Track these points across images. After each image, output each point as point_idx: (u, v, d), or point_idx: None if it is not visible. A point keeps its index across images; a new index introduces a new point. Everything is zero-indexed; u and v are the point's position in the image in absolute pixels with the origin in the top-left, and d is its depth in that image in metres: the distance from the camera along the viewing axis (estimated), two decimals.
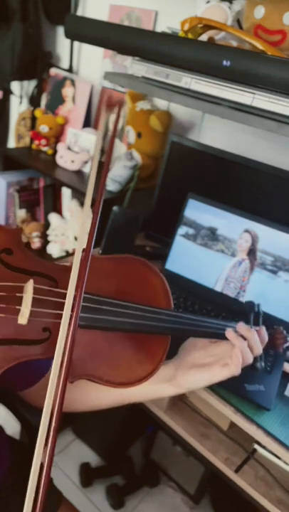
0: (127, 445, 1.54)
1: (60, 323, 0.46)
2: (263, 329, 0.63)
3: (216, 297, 1.01)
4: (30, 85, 1.75)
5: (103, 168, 0.58)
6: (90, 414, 0.69)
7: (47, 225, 1.65)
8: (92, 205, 0.54)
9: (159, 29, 1.30)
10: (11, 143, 1.98)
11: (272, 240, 0.96)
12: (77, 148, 1.49)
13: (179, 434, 0.91)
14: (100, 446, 1.52)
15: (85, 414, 0.69)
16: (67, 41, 1.56)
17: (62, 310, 0.47)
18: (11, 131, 1.96)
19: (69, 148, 1.50)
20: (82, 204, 1.47)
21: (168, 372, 0.61)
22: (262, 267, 0.97)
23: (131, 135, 1.32)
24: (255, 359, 0.62)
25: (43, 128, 1.55)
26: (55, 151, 1.56)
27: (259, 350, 0.59)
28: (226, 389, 0.81)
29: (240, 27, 0.90)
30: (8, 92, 1.84)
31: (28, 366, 0.50)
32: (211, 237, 1.03)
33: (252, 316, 0.68)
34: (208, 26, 0.83)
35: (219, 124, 1.23)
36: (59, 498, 0.78)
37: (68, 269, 0.51)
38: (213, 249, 1.02)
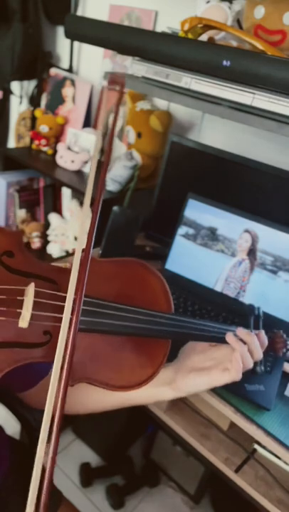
0: (127, 445, 1.54)
1: (60, 326, 0.46)
2: (262, 333, 0.63)
3: (216, 297, 1.01)
4: (30, 85, 1.75)
5: (102, 166, 0.58)
6: (90, 415, 0.69)
7: (47, 225, 1.65)
8: (92, 204, 0.54)
9: (159, 29, 1.30)
10: (11, 143, 1.98)
11: (272, 239, 0.96)
12: (77, 148, 1.49)
13: (179, 434, 0.91)
14: (100, 446, 1.52)
15: (85, 415, 0.69)
16: (67, 41, 1.56)
17: (63, 313, 0.47)
18: (11, 131, 1.96)
19: (69, 148, 1.50)
20: (82, 204, 1.48)
21: (167, 375, 0.60)
22: (262, 267, 0.97)
23: (131, 135, 1.32)
24: (255, 363, 0.62)
25: (43, 128, 1.55)
26: (55, 151, 1.56)
27: (259, 354, 0.59)
28: (226, 389, 0.81)
29: (240, 27, 0.90)
30: (8, 92, 1.84)
31: (27, 368, 0.50)
32: (211, 237, 1.03)
33: (252, 319, 0.68)
34: (208, 26, 0.83)
35: (219, 124, 1.23)
36: (59, 498, 0.78)
37: (69, 271, 0.51)
38: (213, 249, 1.02)
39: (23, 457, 0.82)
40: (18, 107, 1.86)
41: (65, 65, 1.62)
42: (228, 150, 1.08)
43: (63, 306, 0.47)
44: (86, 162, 1.45)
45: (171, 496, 1.46)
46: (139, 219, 1.11)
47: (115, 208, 1.10)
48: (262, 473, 0.85)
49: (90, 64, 1.56)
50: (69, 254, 1.51)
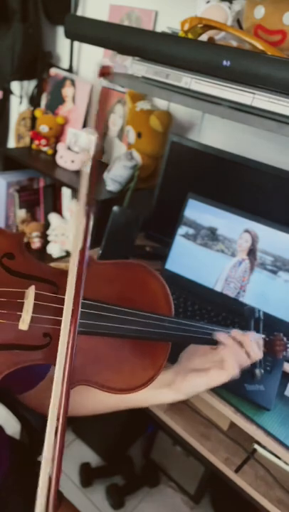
0: (127, 445, 1.54)
1: (60, 329, 0.46)
2: (253, 333, 0.63)
3: (216, 297, 1.01)
4: (30, 85, 1.75)
5: (97, 168, 0.57)
6: (90, 416, 0.69)
7: (47, 225, 1.65)
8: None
9: (159, 29, 1.30)
10: (11, 143, 1.98)
11: (272, 239, 0.96)
12: (77, 148, 1.49)
13: (179, 434, 0.91)
14: (100, 446, 1.52)
15: (84, 416, 0.69)
16: (67, 41, 1.56)
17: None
18: (11, 131, 1.96)
19: (69, 148, 1.50)
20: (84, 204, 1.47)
21: (167, 377, 0.61)
22: (262, 267, 0.97)
23: (131, 135, 1.32)
24: (254, 365, 0.62)
25: (43, 128, 1.55)
26: (55, 151, 1.56)
27: (255, 353, 0.59)
28: (226, 389, 0.81)
29: (240, 27, 0.90)
30: (8, 92, 1.84)
31: (27, 370, 0.50)
32: (211, 237, 1.03)
33: (252, 322, 0.68)
34: (208, 26, 0.83)
35: (219, 124, 1.23)
36: (59, 498, 0.78)
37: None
38: (213, 249, 1.02)
39: (23, 457, 0.82)
40: (18, 107, 1.86)
41: (65, 65, 1.62)
42: (228, 150, 1.08)
43: (63, 309, 0.47)
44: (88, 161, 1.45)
45: (171, 496, 1.46)
46: (139, 219, 1.11)
47: (115, 208, 1.10)
48: (262, 473, 0.85)
49: (90, 64, 1.56)
50: (69, 254, 1.51)
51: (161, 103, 1.34)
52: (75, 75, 1.60)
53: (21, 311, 0.48)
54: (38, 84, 1.66)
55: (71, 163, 1.46)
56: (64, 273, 0.54)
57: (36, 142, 1.58)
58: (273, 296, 0.96)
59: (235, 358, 0.57)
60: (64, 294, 0.49)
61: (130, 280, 0.59)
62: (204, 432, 0.91)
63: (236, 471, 0.84)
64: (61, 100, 1.60)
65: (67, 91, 1.58)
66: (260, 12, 0.80)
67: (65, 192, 1.60)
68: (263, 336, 0.68)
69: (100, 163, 1.52)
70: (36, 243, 1.66)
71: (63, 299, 0.48)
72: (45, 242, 1.66)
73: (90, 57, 1.55)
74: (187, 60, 0.75)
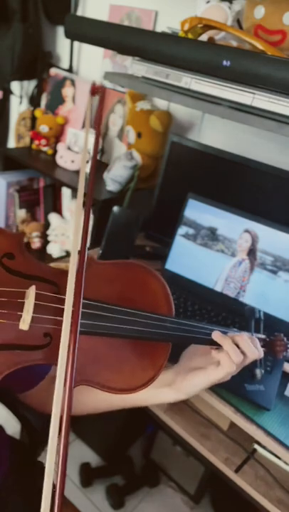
0: (127, 445, 1.54)
1: (61, 329, 0.45)
2: (248, 333, 0.63)
3: (216, 297, 1.01)
4: (30, 85, 1.75)
5: (95, 168, 0.57)
6: (90, 415, 0.69)
7: (47, 225, 1.65)
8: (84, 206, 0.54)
9: (159, 29, 1.30)
10: (11, 143, 1.98)
11: (272, 239, 0.96)
12: (77, 148, 1.49)
13: (179, 434, 0.91)
14: (100, 446, 1.52)
15: (84, 416, 0.69)
16: (67, 41, 1.56)
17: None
18: (11, 131, 1.96)
19: (69, 148, 1.50)
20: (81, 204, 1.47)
21: (168, 377, 0.61)
22: (262, 267, 0.97)
23: (131, 135, 1.32)
24: (255, 365, 0.62)
25: (43, 128, 1.55)
26: (55, 151, 1.56)
27: (252, 352, 0.59)
28: (226, 389, 0.81)
29: (240, 27, 0.90)
30: (8, 92, 1.84)
31: (27, 369, 0.50)
32: (211, 237, 1.03)
33: (253, 322, 0.68)
34: (208, 26, 0.83)
35: (219, 124, 1.23)
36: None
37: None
38: (213, 249, 1.02)
39: (23, 457, 0.82)
40: (18, 107, 1.86)
41: (65, 65, 1.62)
42: (228, 150, 1.08)
43: (64, 309, 0.47)
44: (86, 162, 1.45)
45: (171, 496, 1.46)
46: (139, 219, 1.11)
47: (115, 208, 1.10)
48: (262, 473, 0.85)
49: (90, 64, 1.56)
50: (69, 254, 1.51)
51: (161, 103, 1.34)
52: (75, 75, 1.60)
53: (22, 311, 0.48)
54: (38, 84, 1.66)
55: (71, 163, 1.46)
56: (64, 273, 0.54)
57: (36, 142, 1.58)
58: (273, 296, 0.96)
59: (231, 355, 0.57)
60: (64, 294, 0.49)
61: (130, 280, 0.59)
62: (204, 432, 0.91)
63: (236, 471, 0.84)
64: (61, 100, 1.60)
65: (67, 91, 1.58)
66: (260, 12, 0.80)
67: (65, 192, 1.60)
68: (264, 336, 0.68)
69: (100, 163, 1.52)
70: (36, 243, 1.66)
71: (64, 299, 0.48)
72: (45, 242, 1.66)
73: (90, 57, 1.55)
74: (187, 60, 0.75)
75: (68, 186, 1.39)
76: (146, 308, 0.57)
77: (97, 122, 0.62)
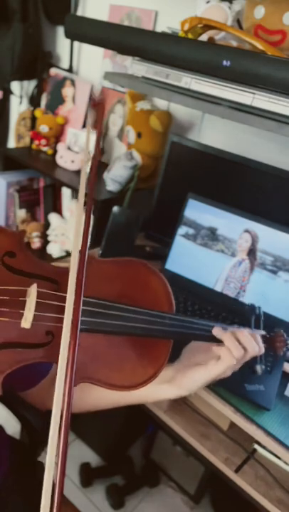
0: (127, 445, 1.54)
1: (62, 326, 0.46)
2: (249, 330, 0.63)
3: (216, 297, 1.01)
4: (30, 85, 1.75)
5: (96, 168, 0.58)
6: (90, 414, 0.69)
7: (47, 225, 1.65)
8: (85, 206, 0.54)
9: (159, 29, 1.30)
10: (11, 143, 1.98)
11: (272, 239, 0.96)
12: (77, 148, 1.49)
13: (179, 434, 0.91)
14: (100, 446, 1.52)
15: (84, 414, 0.69)
16: (67, 41, 1.56)
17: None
18: (11, 131, 1.96)
19: (69, 148, 1.50)
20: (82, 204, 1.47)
21: (168, 374, 0.61)
22: (262, 267, 0.97)
23: (131, 135, 1.32)
24: (255, 361, 0.62)
25: (43, 128, 1.55)
26: (55, 151, 1.56)
27: (253, 347, 0.59)
28: (225, 389, 0.81)
29: (240, 27, 0.90)
30: (8, 92, 1.84)
31: (29, 368, 0.50)
32: (211, 237, 1.03)
33: (253, 318, 0.68)
34: (208, 26, 0.83)
35: (219, 124, 1.23)
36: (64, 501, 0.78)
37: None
38: (213, 249, 1.02)
39: (23, 457, 0.82)
40: (18, 107, 1.86)
41: (65, 65, 1.62)
42: (228, 150, 1.08)
43: (65, 307, 0.47)
44: (86, 162, 1.45)
45: (171, 496, 1.46)
46: (139, 219, 1.11)
47: (115, 208, 1.10)
48: (262, 473, 0.85)
49: (90, 64, 1.56)
50: (69, 254, 1.51)
51: (161, 103, 1.34)
52: (75, 75, 1.60)
53: (23, 309, 0.48)
54: (38, 84, 1.66)
55: (71, 163, 1.46)
56: (65, 271, 0.54)
57: (36, 142, 1.58)
58: (273, 296, 0.96)
59: (231, 349, 0.57)
60: (65, 292, 0.49)
61: (131, 278, 0.59)
62: (204, 432, 0.91)
63: (236, 471, 0.84)
64: (61, 100, 1.60)
65: (67, 91, 1.58)
66: (260, 12, 0.80)
67: (65, 192, 1.60)
68: (264, 332, 0.68)
69: (100, 163, 1.52)
70: (36, 243, 1.66)
71: (65, 297, 0.48)
72: (45, 242, 1.66)
73: (90, 57, 1.55)
74: (187, 60, 0.75)
75: (68, 186, 1.39)
76: (146, 305, 0.57)
77: (98, 135, 0.62)
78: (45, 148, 1.59)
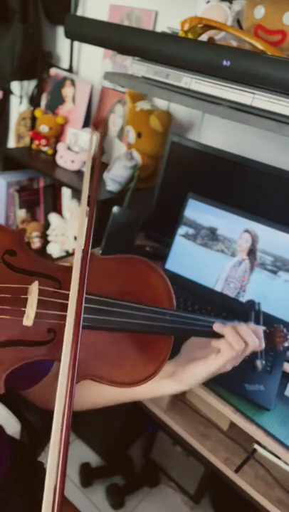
0: (127, 445, 1.54)
1: (64, 324, 0.46)
2: (252, 324, 0.63)
3: (216, 297, 1.01)
4: (30, 85, 1.75)
5: (98, 170, 0.58)
6: (90, 414, 0.69)
7: (47, 225, 1.65)
8: (88, 205, 0.54)
9: (159, 29, 1.30)
10: (11, 143, 1.98)
11: (272, 239, 0.96)
12: (77, 148, 1.49)
13: (179, 434, 0.91)
14: (100, 446, 1.52)
15: (84, 414, 0.69)
16: (67, 41, 1.56)
17: (67, 311, 0.47)
18: (11, 131, 1.96)
19: (69, 148, 1.50)
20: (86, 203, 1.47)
21: (168, 369, 0.61)
22: (262, 267, 0.97)
23: (131, 135, 1.32)
24: (255, 356, 0.62)
25: (43, 128, 1.55)
26: (55, 151, 1.56)
27: (253, 342, 0.59)
28: (225, 389, 0.81)
29: (240, 27, 0.90)
30: (8, 92, 1.84)
31: (30, 366, 0.50)
32: (211, 237, 1.03)
33: (253, 314, 0.68)
34: (208, 26, 0.83)
35: (219, 124, 1.23)
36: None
37: (71, 269, 0.51)
38: (213, 249, 1.02)
39: (23, 457, 0.82)
40: (18, 107, 1.86)
41: (65, 65, 1.62)
42: (228, 150, 1.08)
43: (67, 304, 0.47)
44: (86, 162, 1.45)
45: (171, 496, 1.46)
46: (139, 219, 1.11)
47: (115, 208, 1.10)
48: (262, 473, 0.85)
49: (90, 64, 1.56)
50: (69, 254, 1.51)
51: (161, 103, 1.34)
52: (75, 75, 1.60)
53: (25, 307, 0.48)
54: (38, 84, 1.66)
55: (71, 163, 1.46)
56: (65, 269, 0.55)
57: (36, 142, 1.58)
58: (273, 296, 0.96)
59: (232, 342, 0.58)
60: (66, 289, 0.49)
61: (132, 275, 0.59)
62: (204, 431, 0.91)
63: (236, 471, 0.84)
64: (61, 100, 1.60)
65: (67, 91, 1.58)
66: (260, 12, 0.80)
67: (65, 192, 1.60)
68: (264, 327, 0.68)
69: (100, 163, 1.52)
70: (36, 243, 1.66)
71: (66, 294, 0.48)
72: (45, 242, 1.66)
73: (90, 57, 1.55)
74: (187, 60, 0.75)
75: (68, 186, 1.39)
76: (147, 302, 0.57)
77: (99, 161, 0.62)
78: (45, 148, 1.59)
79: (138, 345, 0.56)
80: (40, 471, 0.80)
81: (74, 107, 1.56)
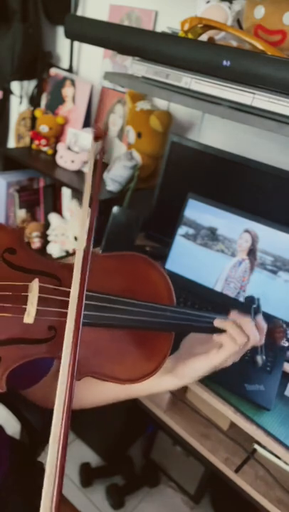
0: (127, 445, 1.54)
1: (65, 321, 0.46)
2: (259, 317, 0.63)
3: (216, 297, 1.01)
4: (30, 85, 1.75)
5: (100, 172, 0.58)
6: (90, 414, 0.69)
7: (47, 225, 1.65)
8: (90, 204, 0.55)
9: (159, 29, 1.30)
10: (11, 143, 1.98)
11: (272, 239, 0.96)
12: (77, 148, 1.49)
13: (179, 434, 0.91)
14: (100, 446, 1.52)
15: (84, 414, 0.69)
16: (67, 41, 1.56)
17: (67, 308, 0.47)
18: (11, 131, 1.96)
19: (69, 148, 1.50)
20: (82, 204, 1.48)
21: (168, 364, 0.61)
22: (262, 267, 0.97)
23: (131, 135, 1.32)
24: (256, 352, 0.62)
25: (43, 128, 1.55)
26: (55, 151, 1.56)
27: (254, 336, 0.59)
28: (225, 389, 0.81)
29: (240, 27, 0.90)
30: (8, 92, 1.84)
31: (30, 365, 0.50)
32: (211, 237, 1.03)
33: (253, 309, 0.69)
34: (208, 26, 0.83)
35: (219, 124, 1.23)
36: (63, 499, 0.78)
37: (71, 267, 0.51)
38: (213, 249, 1.02)
39: (23, 457, 0.82)
40: (18, 107, 1.86)
41: (65, 65, 1.62)
42: (228, 150, 1.08)
43: (68, 301, 0.47)
44: (86, 162, 1.45)
45: (171, 496, 1.46)
46: (139, 219, 1.11)
47: (115, 208, 1.10)
48: (262, 473, 0.85)
49: (90, 64, 1.56)
50: (69, 254, 1.51)
51: (161, 103, 1.34)
52: (75, 75, 1.60)
53: (26, 305, 0.48)
54: (38, 84, 1.66)
55: (71, 163, 1.46)
56: (65, 266, 0.55)
57: (36, 142, 1.58)
58: (273, 296, 0.96)
59: (235, 336, 0.58)
60: (67, 287, 0.49)
61: (132, 271, 0.59)
62: (204, 431, 0.91)
63: (236, 471, 0.84)
64: (61, 100, 1.60)
65: (67, 91, 1.58)
66: (260, 12, 0.80)
67: (65, 192, 1.60)
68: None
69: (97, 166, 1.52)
70: (36, 243, 1.66)
71: (67, 292, 0.48)
72: (45, 242, 1.66)
73: (90, 57, 1.55)
74: (187, 60, 0.75)
75: (68, 186, 1.39)
76: (148, 298, 0.57)
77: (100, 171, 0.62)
78: (45, 148, 1.59)
79: (139, 342, 0.57)
80: (40, 471, 0.80)
81: (74, 107, 1.56)
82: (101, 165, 0.61)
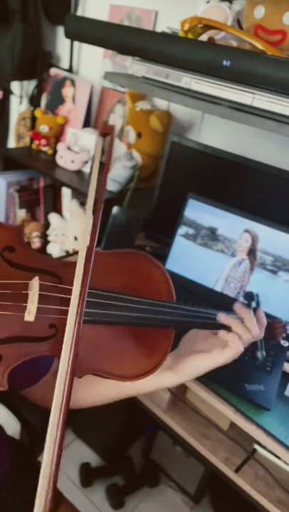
0: (127, 445, 1.54)
1: (65, 319, 0.46)
2: (260, 310, 0.63)
3: (216, 297, 1.01)
4: (30, 85, 1.75)
5: (103, 171, 0.58)
6: (90, 414, 0.69)
7: (47, 225, 1.65)
8: (94, 204, 0.55)
9: (159, 29, 1.30)
10: (11, 143, 1.98)
11: (272, 239, 0.96)
12: (77, 148, 1.49)
13: (179, 434, 0.91)
14: (100, 446, 1.52)
15: (85, 413, 0.69)
16: (67, 41, 1.56)
17: (68, 306, 0.47)
18: (11, 131, 1.96)
19: (69, 148, 1.50)
20: (82, 204, 1.48)
21: (169, 361, 0.61)
22: (262, 267, 0.97)
23: (131, 135, 1.32)
24: (256, 347, 0.62)
25: (43, 128, 1.55)
26: (55, 151, 1.56)
27: (256, 331, 0.59)
28: (225, 389, 0.81)
29: (240, 27, 0.90)
30: (8, 92, 1.84)
31: (31, 364, 0.50)
32: (211, 237, 1.03)
33: (252, 305, 0.69)
34: (208, 26, 0.83)
35: (219, 124, 1.23)
36: (59, 498, 0.78)
37: (70, 265, 0.52)
38: (213, 249, 1.02)
39: (23, 457, 0.82)
40: (18, 107, 1.86)
41: (65, 65, 1.62)
42: (228, 150, 1.08)
43: (68, 299, 0.47)
44: (86, 162, 1.45)
45: (171, 496, 1.46)
46: (139, 219, 1.11)
47: (115, 208, 1.10)
48: (262, 473, 0.85)
49: (90, 64, 1.56)
50: (69, 254, 1.51)
51: (161, 103, 1.34)
52: (75, 75, 1.60)
53: (26, 302, 0.48)
54: (38, 84, 1.66)
55: (71, 163, 1.46)
56: (64, 264, 0.55)
57: (36, 142, 1.58)
58: (273, 296, 0.96)
59: (241, 335, 0.58)
60: (67, 285, 0.49)
61: (132, 269, 0.60)
62: (204, 431, 0.91)
63: (236, 471, 0.84)
64: (61, 100, 1.60)
65: (67, 91, 1.58)
66: (260, 12, 0.80)
67: (65, 192, 1.60)
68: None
69: (100, 165, 1.52)
70: (36, 243, 1.66)
71: (67, 289, 0.48)
72: (45, 242, 1.66)
73: (90, 57, 1.55)
74: (187, 60, 0.75)
75: (68, 186, 1.39)
76: (148, 295, 0.57)
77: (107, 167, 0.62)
78: (45, 148, 1.59)
79: (140, 339, 0.57)
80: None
81: (74, 107, 1.56)
82: (110, 159, 0.61)
